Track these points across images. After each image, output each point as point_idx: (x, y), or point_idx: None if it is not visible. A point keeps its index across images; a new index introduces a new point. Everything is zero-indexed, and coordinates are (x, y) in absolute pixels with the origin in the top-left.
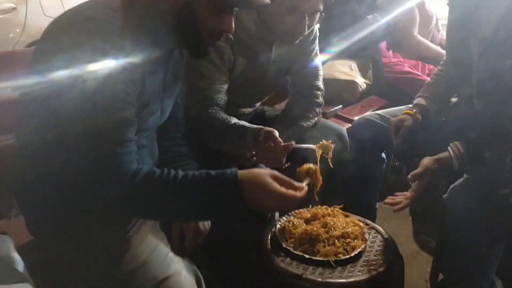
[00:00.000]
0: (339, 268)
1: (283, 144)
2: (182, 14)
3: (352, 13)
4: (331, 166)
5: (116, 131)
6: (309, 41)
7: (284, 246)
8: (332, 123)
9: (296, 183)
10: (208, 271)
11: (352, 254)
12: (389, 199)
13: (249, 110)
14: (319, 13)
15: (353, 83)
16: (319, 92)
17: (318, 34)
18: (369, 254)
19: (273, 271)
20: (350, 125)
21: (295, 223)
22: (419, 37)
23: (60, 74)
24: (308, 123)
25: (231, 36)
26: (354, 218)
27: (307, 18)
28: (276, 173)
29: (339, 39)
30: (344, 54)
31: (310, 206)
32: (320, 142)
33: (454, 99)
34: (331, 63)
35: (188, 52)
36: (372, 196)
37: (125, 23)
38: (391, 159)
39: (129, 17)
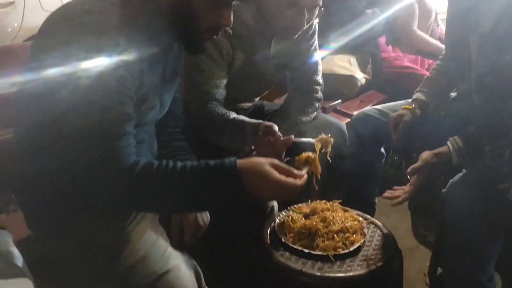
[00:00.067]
0: (338, 262)
1: (282, 138)
2: (181, 8)
3: (351, 8)
4: (329, 160)
5: (114, 125)
6: (308, 36)
7: (283, 240)
8: (331, 118)
9: (295, 171)
10: (207, 266)
11: (351, 249)
12: (387, 193)
13: (248, 105)
14: (318, 7)
15: (352, 78)
16: (318, 87)
17: (317, 28)
18: (368, 248)
19: (272, 266)
20: (349, 120)
21: (294, 217)
22: (419, 31)
23: (58, 69)
24: (307, 118)
25: (230, 31)
26: (353, 212)
27: (306, 13)
28: (276, 161)
29: (339, 34)
30: (343, 49)
31: (309, 200)
32: (319, 136)
33: (453, 94)
34: (330, 58)
35: (184, 48)
36: (371, 191)
37: (123, 17)
38: (390, 153)
39: (127, 11)
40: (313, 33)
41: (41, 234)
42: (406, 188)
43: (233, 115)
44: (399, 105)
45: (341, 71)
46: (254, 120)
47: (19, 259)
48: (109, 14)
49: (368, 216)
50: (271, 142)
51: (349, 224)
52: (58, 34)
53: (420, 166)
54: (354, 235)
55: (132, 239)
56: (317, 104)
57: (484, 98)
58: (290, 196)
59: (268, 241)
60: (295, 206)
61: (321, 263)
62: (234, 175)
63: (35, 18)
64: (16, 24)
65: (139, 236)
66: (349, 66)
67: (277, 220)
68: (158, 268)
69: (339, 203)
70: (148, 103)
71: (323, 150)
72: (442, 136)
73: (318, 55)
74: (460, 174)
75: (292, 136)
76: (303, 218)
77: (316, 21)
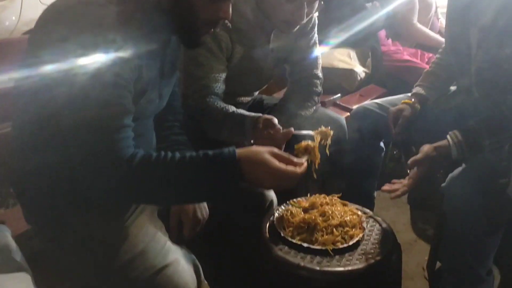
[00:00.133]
0: (337, 256)
1: (282, 131)
2: (179, 1)
3: (351, 2)
4: (328, 153)
5: (113, 117)
6: (308, 30)
7: (282, 235)
8: (331, 112)
9: (295, 159)
10: (206, 260)
11: (350, 243)
12: (386, 186)
13: (247, 99)
14: (318, 1)
15: (351, 72)
16: (317, 81)
17: (317, 22)
18: (367, 242)
19: (271, 260)
20: (348, 114)
21: (293, 212)
22: (419, 25)
23: (55, 63)
24: (307, 112)
25: (229, 24)
26: (352, 207)
27: (306, 6)
28: (275, 149)
29: (338, 30)
30: (343, 43)
31: (309, 195)
32: (319, 129)
33: (453, 88)
34: (329, 52)
35: (181, 41)
36: (370, 185)
37: (121, 10)
38: (390, 148)
39: (124, 3)
40: (313, 27)
41: (39, 229)
42: (405, 181)
43: (232, 108)
44: (399, 99)
45: (341, 65)
46: (253, 114)
47: (17, 254)
48: (106, 7)
49: (367, 210)
50: (271, 135)
51: (348, 218)
52: (55, 28)
53: (421, 158)
54: (353, 229)
55: (131, 233)
56: (316, 98)
57: (484, 92)
58: (291, 184)
59: (267, 235)
60: (294, 200)
61: (320, 258)
62: (233, 164)
63: (33, 11)
64: (14, 18)
65: (138, 230)
66: (349, 60)
67: (276, 214)
68: (157, 262)
69: (338, 197)
70: (147, 96)
71: (323, 142)
72: (442, 130)
73: (318, 49)
74: (460, 168)
75: (292, 129)
76: (302, 212)
77: (316, 15)
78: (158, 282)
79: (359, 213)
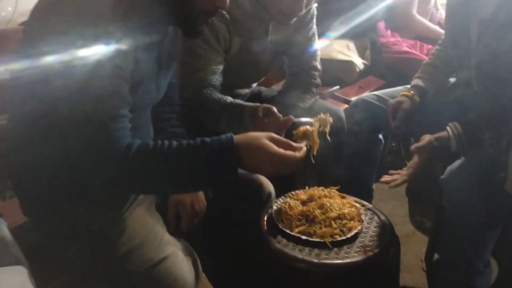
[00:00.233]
0: (335, 249)
1: (282, 118)
2: None
3: None
4: (329, 139)
5: (109, 107)
6: (306, 21)
7: (280, 227)
8: (330, 104)
9: (294, 144)
10: (204, 253)
11: (349, 236)
12: (385, 178)
13: (245, 91)
14: None
15: (350, 64)
16: (316, 73)
17: (315, 13)
18: (365, 235)
19: (270, 253)
20: (347, 106)
21: (292, 204)
22: (418, 16)
23: (51, 52)
24: (305, 104)
25: (227, 15)
26: (351, 199)
27: None
28: (273, 134)
29: (338, 22)
30: (342, 34)
31: (307, 187)
32: (318, 116)
33: (452, 80)
34: (328, 43)
35: (181, 30)
36: (368, 177)
37: None
38: (389, 140)
39: None
40: (311, 18)
41: (37, 221)
42: (403, 171)
43: (229, 99)
44: (398, 91)
45: (340, 57)
46: (251, 103)
47: (14, 246)
48: None
49: (366, 203)
50: (271, 123)
51: (346, 210)
52: (50, 18)
53: (423, 145)
54: (352, 222)
55: (128, 225)
56: (315, 90)
57: (484, 85)
58: (290, 169)
59: (265, 228)
60: (293, 192)
61: (318, 250)
62: (231, 150)
63: (30, 2)
64: (10, 8)
65: (135, 223)
66: (348, 52)
67: (274, 207)
68: (155, 255)
69: (336, 189)
70: (144, 87)
71: (321, 129)
72: (441, 123)
73: (316, 41)
74: (459, 161)
75: (292, 116)
76: (300, 205)
77: (314, 6)
78: (156, 275)
79: (358, 205)
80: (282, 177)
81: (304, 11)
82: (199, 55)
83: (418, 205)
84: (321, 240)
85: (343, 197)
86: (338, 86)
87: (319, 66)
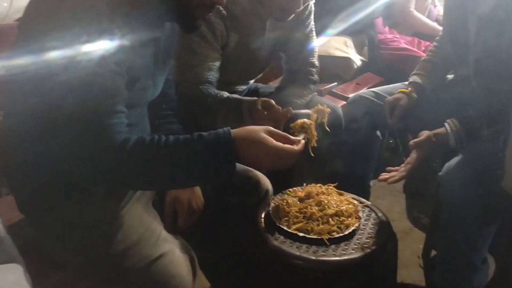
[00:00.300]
0: (333, 246)
1: (281, 110)
2: None
3: None
4: (328, 129)
5: (105, 102)
6: (304, 17)
7: (278, 224)
8: (327, 100)
9: (292, 137)
10: (201, 250)
11: (346, 232)
12: (383, 176)
13: (242, 87)
14: None
15: (348, 60)
16: (314, 69)
17: (313, 9)
18: (363, 232)
19: (267, 250)
20: (345, 103)
21: (289, 201)
22: (416, 12)
23: (46, 48)
24: (303, 100)
25: (224, 11)
26: (348, 196)
27: None
28: (271, 128)
29: (336, 20)
30: (340, 31)
31: (304, 184)
32: (316, 107)
33: (450, 76)
34: (326, 40)
35: (178, 26)
36: (366, 174)
37: None
38: (386, 137)
39: None
40: (309, 15)
41: (33, 218)
42: (401, 168)
43: (226, 94)
44: (396, 88)
45: (337, 53)
46: (249, 97)
47: (9, 244)
48: None
49: (363, 200)
50: (270, 116)
51: (344, 207)
52: (45, 14)
53: (422, 141)
54: (349, 219)
55: (125, 222)
56: (312, 87)
57: (483, 82)
58: (289, 163)
59: (263, 225)
60: (290, 190)
61: (316, 247)
62: (229, 144)
63: None
64: (5, 4)
65: (132, 220)
66: (345, 48)
67: (272, 204)
68: (152, 252)
69: (334, 186)
70: (140, 83)
71: (319, 121)
72: (439, 120)
73: (314, 38)
74: (456, 158)
75: (291, 108)
76: (298, 202)
77: (312, 3)
78: (153, 272)
79: (355, 202)
80: (279, 174)
81: (301, 7)
82: (195, 52)
83: (415, 202)
84: (319, 237)
85: (340, 194)
86: (335, 83)
87: (316, 63)
